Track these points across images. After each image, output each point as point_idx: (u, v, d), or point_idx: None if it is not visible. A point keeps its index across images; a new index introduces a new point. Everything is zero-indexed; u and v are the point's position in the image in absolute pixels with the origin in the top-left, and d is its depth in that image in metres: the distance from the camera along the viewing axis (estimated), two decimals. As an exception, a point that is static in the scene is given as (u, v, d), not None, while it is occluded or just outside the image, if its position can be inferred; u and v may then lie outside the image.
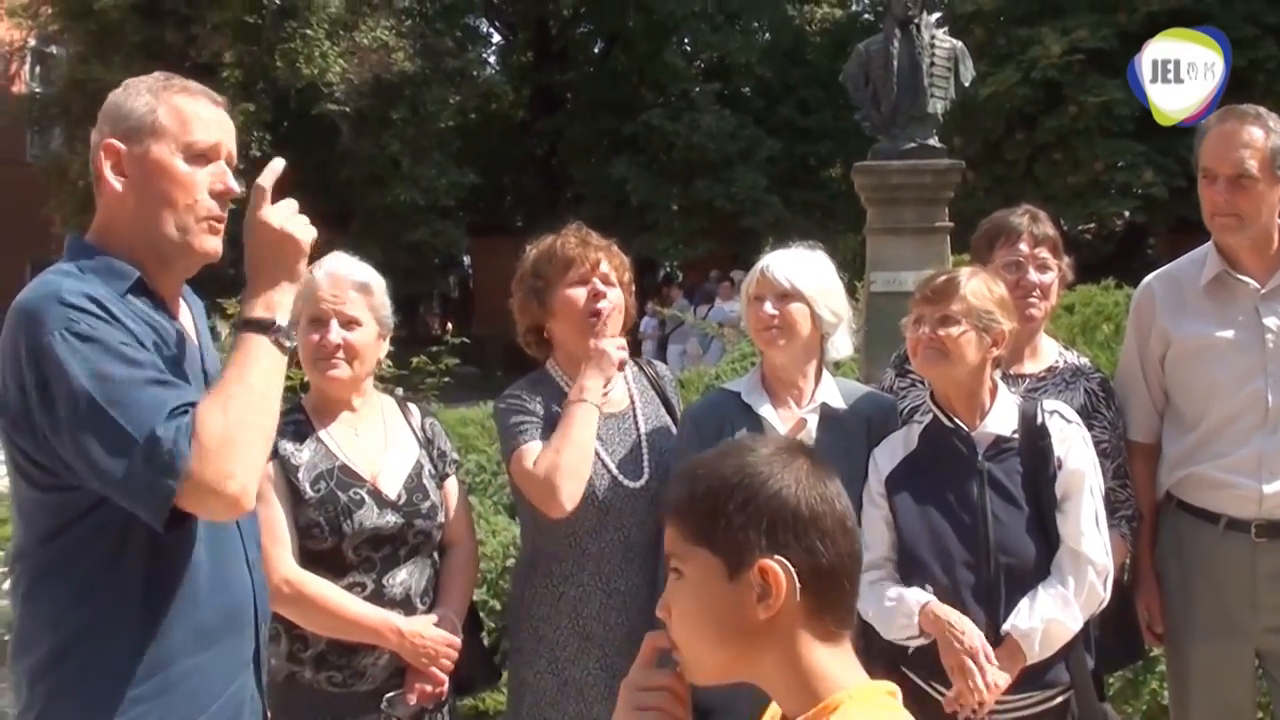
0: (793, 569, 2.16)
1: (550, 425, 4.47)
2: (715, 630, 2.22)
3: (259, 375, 3.10)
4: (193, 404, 2.99)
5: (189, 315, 3.49)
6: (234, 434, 2.98)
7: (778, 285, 4.47)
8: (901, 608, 4.11)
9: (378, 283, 4.47)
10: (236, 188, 3.32)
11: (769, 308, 4.46)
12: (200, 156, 3.25)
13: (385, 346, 4.51)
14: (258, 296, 3.19)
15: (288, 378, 8.04)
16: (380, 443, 4.44)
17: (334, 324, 4.30)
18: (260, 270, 3.22)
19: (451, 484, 4.58)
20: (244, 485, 3.00)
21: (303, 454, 4.30)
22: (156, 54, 25.66)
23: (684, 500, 2.27)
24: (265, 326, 3.14)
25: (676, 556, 2.27)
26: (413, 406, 4.68)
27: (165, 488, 2.91)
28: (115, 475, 2.93)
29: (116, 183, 3.25)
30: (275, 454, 4.22)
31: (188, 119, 3.24)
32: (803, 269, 4.53)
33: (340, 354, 4.30)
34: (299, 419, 4.40)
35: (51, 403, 2.96)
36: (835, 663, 2.22)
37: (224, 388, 3.05)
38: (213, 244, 3.30)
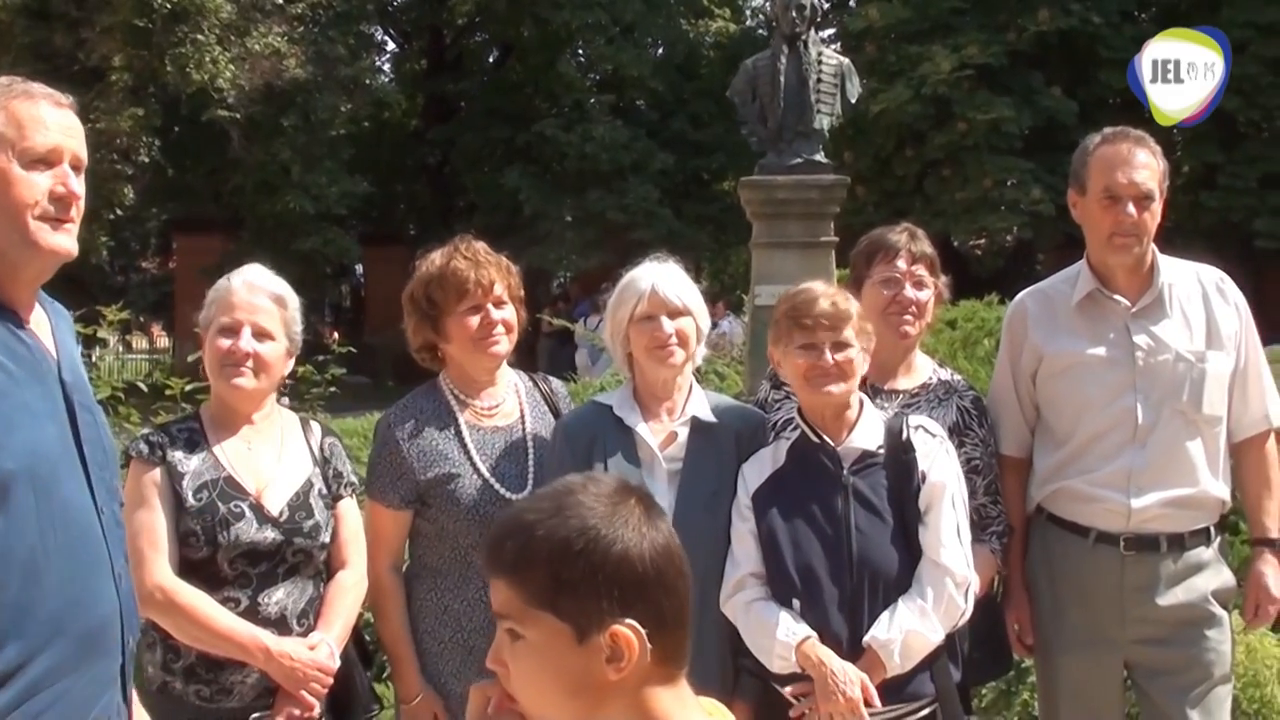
0: (642, 630, 2.16)
1: (423, 456, 4.58)
2: (561, 690, 2.21)
3: None
4: None
5: (46, 324, 3.41)
6: None
7: (671, 303, 4.50)
8: (777, 646, 4.14)
9: (292, 298, 4.47)
10: (78, 190, 3.26)
11: (667, 325, 4.49)
12: (39, 161, 3.20)
13: (290, 364, 4.48)
14: None
15: (167, 385, 7.87)
16: (273, 458, 4.39)
17: (246, 332, 4.28)
18: None
19: (345, 506, 4.50)
20: None
21: (190, 462, 4.26)
22: (45, 56, 25.22)
23: (521, 563, 2.20)
24: None
25: (513, 619, 2.22)
26: (314, 425, 4.62)
27: None
28: None
29: None
30: (163, 460, 4.24)
31: (24, 124, 3.19)
32: (685, 285, 4.58)
33: (249, 364, 4.28)
34: (194, 427, 4.39)
35: None
36: (677, 705, 2.24)
37: None
38: (59, 241, 3.24)
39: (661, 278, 4.54)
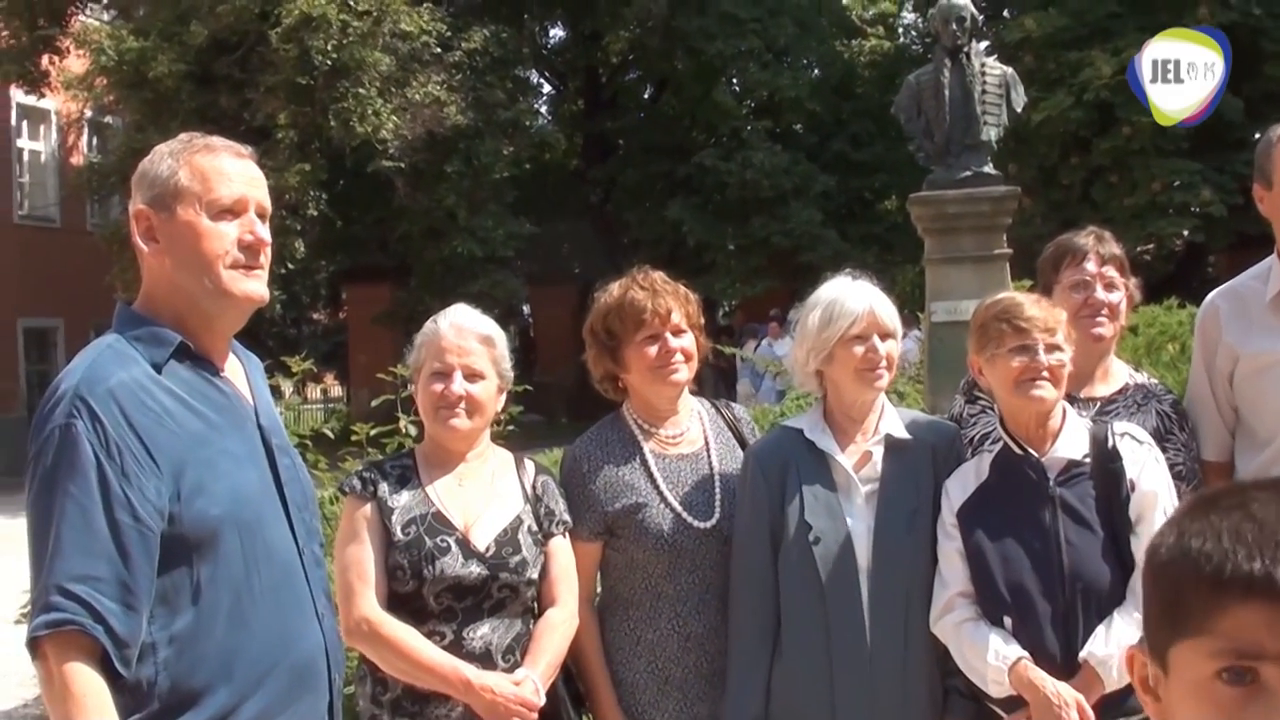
0: None
1: (610, 488, 4.57)
2: None
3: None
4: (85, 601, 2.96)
5: (240, 371, 3.52)
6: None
7: (885, 325, 4.47)
8: (990, 671, 4.07)
9: (500, 336, 4.51)
10: (266, 237, 3.36)
11: (881, 347, 4.44)
12: (226, 212, 3.29)
13: (502, 400, 4.55)
14: None
15: (353, 431, 7.97)
16: (483, 495, 4.43)
17: (458, 376, 4.34)
18: None
19: (557, 544, 4.49)
20: None
21: (401, 498, 4.35)
22: (212, 119, 25.78)
23: None
24: None
25: None
26: (528, 463, 4.65)
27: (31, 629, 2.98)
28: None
29: (151, 248, 3.31)
30: (374, 496, 4.33)
31: (209, 177, 3.28)
32: (893, 307, 4.56)
33: (463, 406, 4.34)
34: (407, 464, 4.48)
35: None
36: None
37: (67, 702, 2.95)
38: (252, 287, 3.34)
39: (878, 299, 4.51)
